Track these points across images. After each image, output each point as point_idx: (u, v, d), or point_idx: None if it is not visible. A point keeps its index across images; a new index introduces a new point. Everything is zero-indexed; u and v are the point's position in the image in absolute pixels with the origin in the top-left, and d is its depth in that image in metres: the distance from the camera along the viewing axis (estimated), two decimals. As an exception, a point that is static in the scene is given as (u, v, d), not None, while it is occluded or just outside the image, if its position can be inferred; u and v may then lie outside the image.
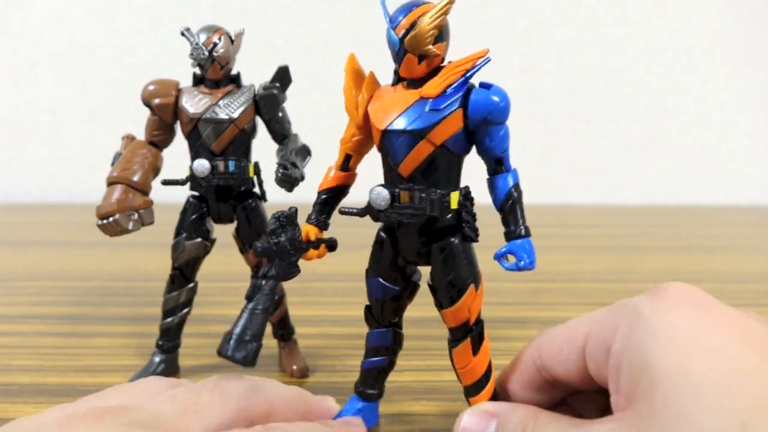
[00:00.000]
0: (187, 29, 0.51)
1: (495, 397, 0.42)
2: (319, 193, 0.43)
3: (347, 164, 0.43)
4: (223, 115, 0.51)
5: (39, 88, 1.36)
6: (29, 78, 1.36)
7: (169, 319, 0.55)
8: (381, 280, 0.43)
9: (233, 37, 0.51)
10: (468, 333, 0.41)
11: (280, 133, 0.54)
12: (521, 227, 0.39)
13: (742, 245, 1.07)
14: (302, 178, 0.50)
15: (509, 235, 0.39)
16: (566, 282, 0.83)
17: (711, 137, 1.41)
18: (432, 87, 0.38)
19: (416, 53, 0.38)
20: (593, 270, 0.90)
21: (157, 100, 0.52)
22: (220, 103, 0.51)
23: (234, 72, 0.53)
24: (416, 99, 0.39)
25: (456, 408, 0.49)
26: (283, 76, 0.54)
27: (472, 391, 0.42)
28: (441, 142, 0.39)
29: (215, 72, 0.51)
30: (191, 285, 0.55)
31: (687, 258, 0.98)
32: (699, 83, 1.39)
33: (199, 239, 0.54)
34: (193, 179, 0.52)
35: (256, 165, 0.54)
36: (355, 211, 0.41)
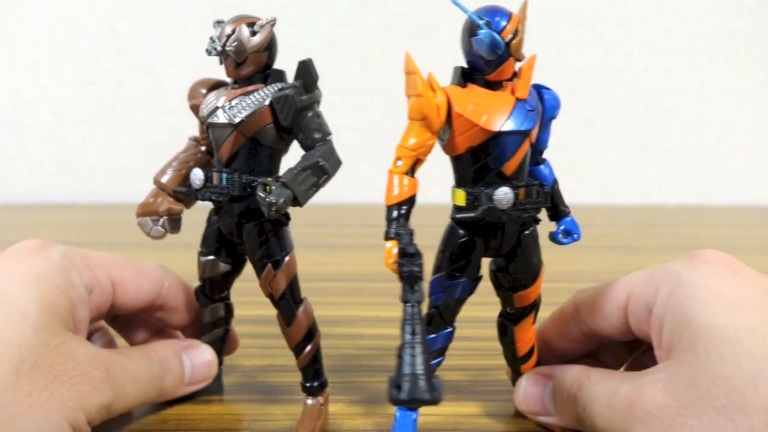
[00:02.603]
0: (219, 21, 0.44)
1: (539, 360, 0.47)
2: (399, 205, 0.39)
3: (413, 170, 0.40)
4: (223, 119, 0.42)
5: (39, 88, 1.36)
6: (29, 78, 1.35)
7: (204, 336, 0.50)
8: (467, 280, 0.43)
9: (256, 28, 0.42)
10: (534, 307, 0.46)
11: (305, 144, 0.43)
12: (567, 207, 0.45)
13: (742, 245, 1.07)
14: (284, 203, 0.40)
15: (560, 215, 0.45)
16: (566, 282, 0.83)
17: (711, 137, 1.41)
18: (522, 89, 0.40)
19: (515, 57, 0.40)
20: (593, 270, 0.90)
21: (190, 102, 0.47)
22: (230, 103, 0.43)
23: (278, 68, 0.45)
24: (514, 101, 0.40)
25: (460, 408, 0.49)
26: (305, 73, 0.44)
27: (525, 359, 0.46)
28: (534, 139, 0.42)
29: (230, 69, 0.43)
30: (213, 305, 0.49)
31: (687, 258, 0.98)
32: (699, 83, 1.39)
33: (211, 257, 0.47)
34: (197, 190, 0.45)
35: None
36: (474, 215, 0.41)
